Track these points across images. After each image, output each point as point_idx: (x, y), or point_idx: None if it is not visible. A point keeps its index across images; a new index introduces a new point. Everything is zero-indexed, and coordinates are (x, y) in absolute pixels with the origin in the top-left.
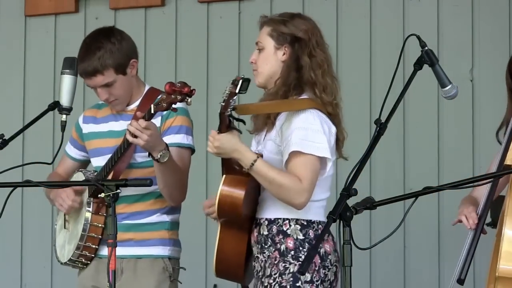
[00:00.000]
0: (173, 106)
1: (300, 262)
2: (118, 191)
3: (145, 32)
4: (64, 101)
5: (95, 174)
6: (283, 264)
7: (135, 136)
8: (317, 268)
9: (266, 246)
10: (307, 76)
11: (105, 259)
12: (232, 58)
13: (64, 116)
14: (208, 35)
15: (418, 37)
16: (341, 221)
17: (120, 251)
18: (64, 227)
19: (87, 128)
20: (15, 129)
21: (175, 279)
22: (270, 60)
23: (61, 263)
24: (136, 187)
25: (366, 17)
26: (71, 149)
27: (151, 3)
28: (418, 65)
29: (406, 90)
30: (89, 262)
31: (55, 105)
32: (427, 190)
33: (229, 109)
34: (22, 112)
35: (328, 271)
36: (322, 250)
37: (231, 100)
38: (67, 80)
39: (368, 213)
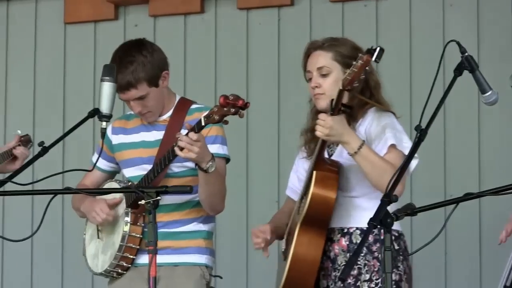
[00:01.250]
0: (225, 119)
1: (400, 272)
2: (159, 198)
3: (185, 39)
4: (104, 108)
5: (130, 183)
6: None
7: (182, 148)
8: (406, 277)
9: (361, 255)
10: (377, 95)
11: (140, 268)
12: (272, 65)
13: (104, 123)
14: (248, 42)
15: (458, 43)
16: (382, 228)
17: (157, 258)
18: (98, 237)
19: (116, 139)
20: (55, 136)
21: (212, 287)
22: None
23: (94, 273)
24: (175, 195)
25: (405, 23)
26: (99, 160)
27: (191, 10)
28: (458, 71)
29: (446, 96)
30: (124, 272)
31: (94, 112)
32: (468, 197)
33: (354, 84)
34: (62, 119)
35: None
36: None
37: (363, 72)
38: (106, 87)
39: (409, 220)
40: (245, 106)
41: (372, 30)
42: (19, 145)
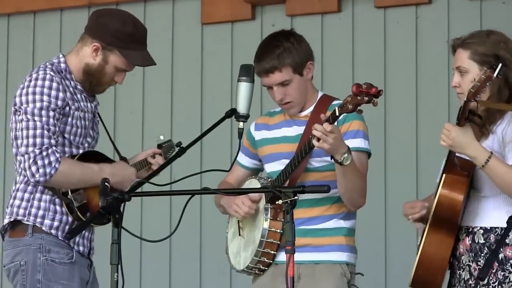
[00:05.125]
0: (359, 108)
1: None
2: (296, 197)
3: (322, 38)
4: (241, 108)
5: (270, 180)
6: (502, 273)
7: (319, 139)
8: None
9: (482, 254)
10: None
11: (281, 265)
12: (410, 64)
13: (241, 123)
14: (385, 41)
15: None
16: None
17: (297, 256)
18: (239, 235)
19: (259, 135)
20: (193, 137)
21: (353, 285)
22: None
23: (237, 271)
24: (314, 193)
25: None
26: (242, 157)
27: (328, 9)
28: None
29: None
30: (266, 268)
31: (232, 113)
32: None
33: (477, 97)
34: (200, 119)
35: None
36: None
37: (485, 86)
38: (244, 87)
39: None
40: (378, 94)
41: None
42: (157, 154)
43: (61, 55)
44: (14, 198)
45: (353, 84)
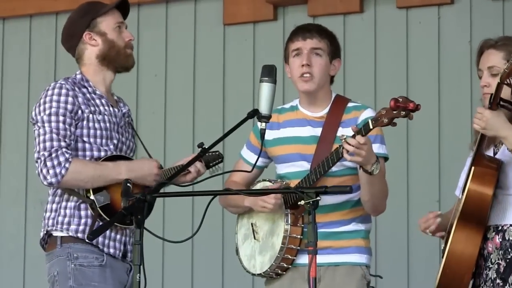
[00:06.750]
0: (394, 121)
1: None
2: (318, 198)
3: (344, 38)
4: (263, 109)
5: (285, 183)
6: None
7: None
8: None
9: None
10: None
11: (300, 268)
12: (432, 64)
13: (263, 124)
14: (408, 41)
15: None
16: None
17: (318, 259)
18: (254, 238)
19: (269, 134)
20: (215, 137)
21: (372, 287)
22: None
23: (252, 274)
24: (334, 195)
25: None
26: (249, 155)
27: (350, 10)
28: None
29: None
30: (283, 272)
31: (254, 113)
32: None
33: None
34: (222, 120)
35: None
36: None
37: None
38: (266, 88)
39: None
40: (416, 108)
41: None
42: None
43: (78, 71)
44: (45, 211)
45: (390, 99)
